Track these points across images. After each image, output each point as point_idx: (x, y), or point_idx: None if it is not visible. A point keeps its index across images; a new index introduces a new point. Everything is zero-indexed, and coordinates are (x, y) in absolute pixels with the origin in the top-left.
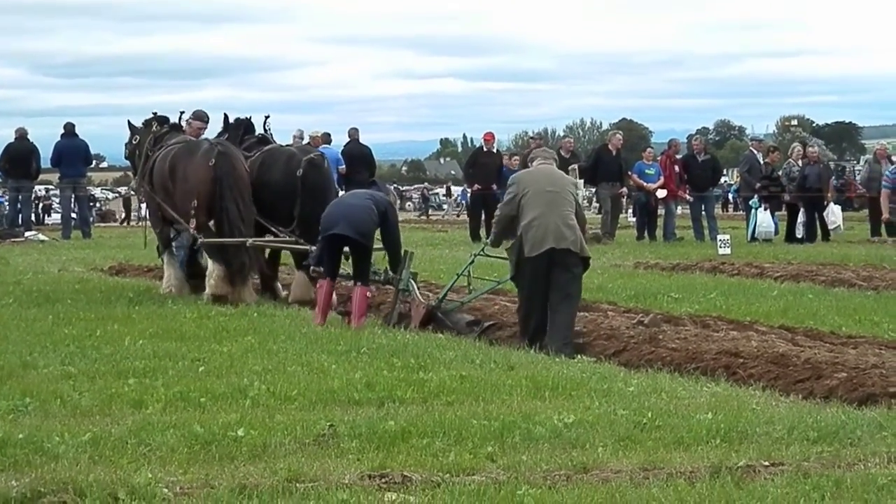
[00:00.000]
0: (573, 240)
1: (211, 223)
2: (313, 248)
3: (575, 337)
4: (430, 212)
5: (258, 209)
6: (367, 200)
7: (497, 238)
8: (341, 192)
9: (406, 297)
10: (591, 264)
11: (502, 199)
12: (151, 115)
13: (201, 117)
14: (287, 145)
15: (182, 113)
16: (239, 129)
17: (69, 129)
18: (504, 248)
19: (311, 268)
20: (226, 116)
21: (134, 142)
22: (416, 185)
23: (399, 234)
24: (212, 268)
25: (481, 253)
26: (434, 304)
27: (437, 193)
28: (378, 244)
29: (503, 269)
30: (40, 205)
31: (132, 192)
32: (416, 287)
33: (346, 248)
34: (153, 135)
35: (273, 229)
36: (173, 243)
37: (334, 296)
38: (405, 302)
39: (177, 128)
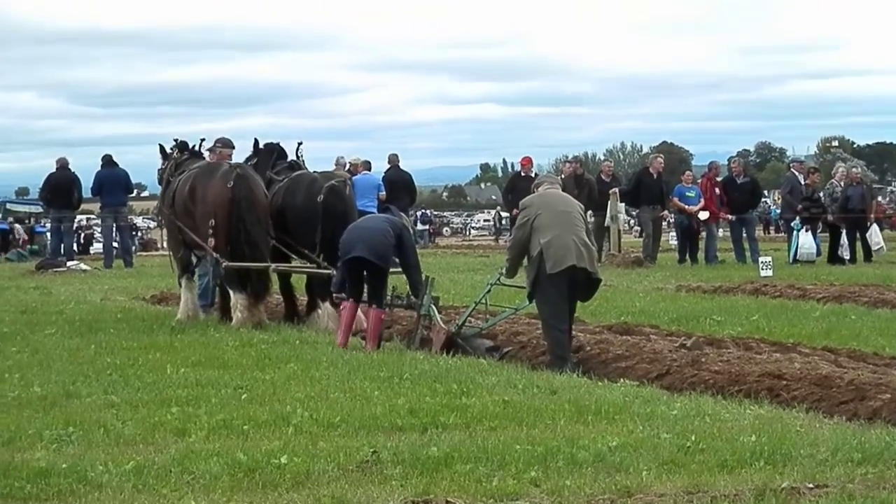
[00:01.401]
0: (589, 260)
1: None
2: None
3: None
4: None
5: (284, 234)
6: (383, 224)
7: (513, 266)
8: None
9: (427, 322)
10: (634, 287)
11: None
12: (174, 142)
13: (228, 144)
14: (318, 172)
15: (202, 140)
16: (270, 155)
17: (108, 160)
18: (520, 274)
19: (334, 294)
20: (256, 141)
21: (163, 167)
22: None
23: (416, 256)
24: (234, 298)
25: (497, 282)
26: (454, 329)
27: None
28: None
29: (520, 295)
30: (82, 234)
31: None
32: (437, 312)
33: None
34: (174, 161)
35: (295, 254)
36: (197, 271)
37: (358, 315)
38: (426, 327)
39: (196, 154)
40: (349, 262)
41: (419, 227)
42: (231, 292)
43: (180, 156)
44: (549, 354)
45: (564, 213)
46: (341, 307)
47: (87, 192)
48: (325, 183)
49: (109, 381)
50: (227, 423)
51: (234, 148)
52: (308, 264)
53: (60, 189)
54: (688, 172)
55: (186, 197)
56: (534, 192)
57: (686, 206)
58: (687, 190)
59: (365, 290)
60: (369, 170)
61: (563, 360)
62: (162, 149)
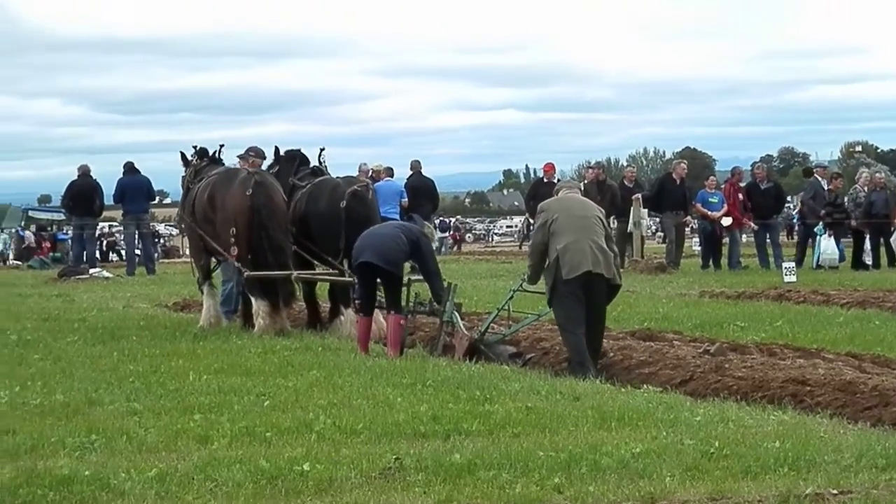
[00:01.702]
0: (606, 266)
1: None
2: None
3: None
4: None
5: (307, 240)
6: (395, 230)
7: (534, 272)
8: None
9: (450, 329)
10: (657, 293)
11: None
12: (193, 149)
13: (261, 154)
14: (340, 177)
15: (221, 146)
16: (292, 162)
17: (130, 167)
18: (543, 280)
19: (355, 301)
20: (276, 149)
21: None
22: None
23: (435, 262)
24: (256, 305)
25: (519, 289)
26: (477, 336)
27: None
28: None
29: (543, 302)
30: (104, 242)
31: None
32: (459, 319)
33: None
34: (193, 168)
35: (318, 260)
36: (221, 276)
37: (375, 326)
38: (449, 333)
39: (215, 160)
40: (359, 269)
41: (438, 234)
42: (253, 299)
43: (199, 162)
44: (569, 360)
45: (581, 218)
46: (356, 320)
47: (108, 200)
48: (348, 188)
49: (132, 389)
50: (249, 431)
51: (265, 158)
52: (331, 271)
53: (82, 196)
54: (711, 178)
55: (206, 204)
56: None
57: (709, 212)
58: (710, 195)
59: (383, 297)
60: (391, 176)
61: (583, 365)
62: (183, 156)
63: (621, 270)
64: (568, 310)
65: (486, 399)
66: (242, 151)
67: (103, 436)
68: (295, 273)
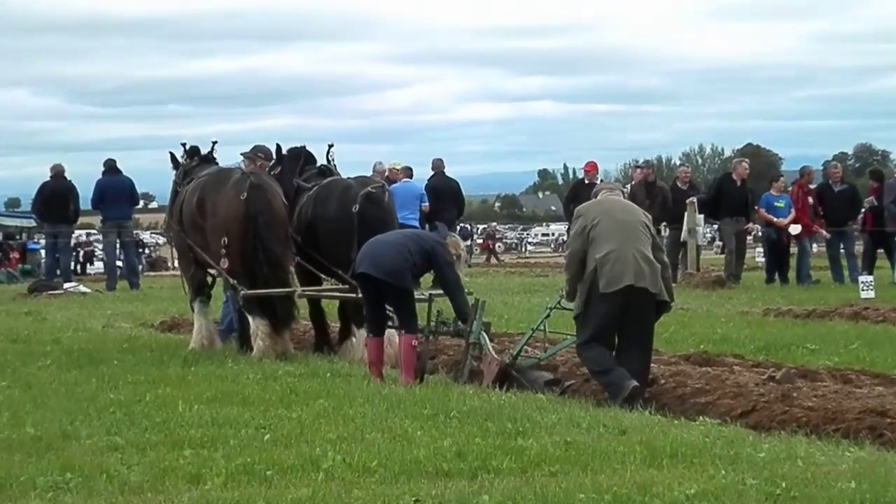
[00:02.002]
0: (652, 279)
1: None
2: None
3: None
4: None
5: (313, 250)
6: (402, 238)
7: (573, 287)
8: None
9: (477, 352)
10: (715, 311)
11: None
12: (182, 147)
13: (269, 155)
14: (352, 178)
15: (214, 143)
16: (296, 160)
17: (110, 166)
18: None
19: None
20: (279, 147)
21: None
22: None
23: (454, 276)
24: (254, 324)
25: (557, 306)
26: (508, 360)
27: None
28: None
29: None
30: (81, 252)
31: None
32: (488, 340)
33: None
34: (182, 168)
35: (326, 273)
36: (226, 292)
37: (391, 348)
38: (476, 357)
39: (207, 159)
40: (359, 283)
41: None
42: (250, 318)
43: (189, 162)
44: (601, 385)
45: (624, 223)
46: (365, 343)
47: (86, 204)
48: (361, 190)
49: (113, 421)
50: (247, 468)
51: (273, 160)
52: (341, 286)
53: (56, 200)
54: (781, 179)
55: (194, 210)
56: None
57: (775, 219)
58: (776, 199)
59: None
60: (410, 177)
61: (619, 386)
62: (173, 158)
63: (673, 285)
64: (596, 329)
65: (519, 433)
66: (245, 149)
67: (80, 474)
68: (299, 290)
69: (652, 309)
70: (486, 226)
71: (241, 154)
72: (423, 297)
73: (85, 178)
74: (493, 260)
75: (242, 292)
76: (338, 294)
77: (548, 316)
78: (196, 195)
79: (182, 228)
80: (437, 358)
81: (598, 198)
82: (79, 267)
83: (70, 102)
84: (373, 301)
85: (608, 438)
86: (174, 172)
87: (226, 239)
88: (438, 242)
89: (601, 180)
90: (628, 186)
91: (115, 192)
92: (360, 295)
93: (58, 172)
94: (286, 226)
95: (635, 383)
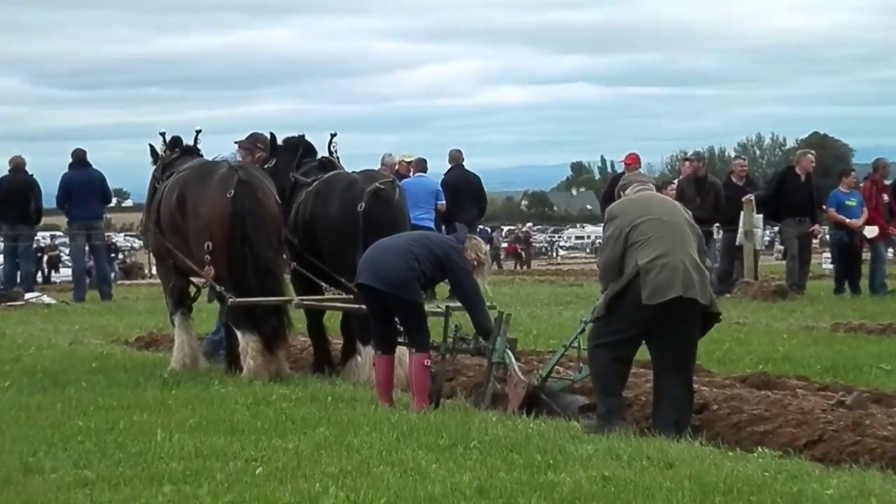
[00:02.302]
0: (702, 288)
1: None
2: None
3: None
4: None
5: (313, 255)
6: (408, 242)
7: (608, 284)
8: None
9: (501, 373)
10: (775, 325)
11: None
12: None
13: (269, 145)
14: (357, 172)
15: (198, 132)
16: (293, 152)
17: (79, 158)
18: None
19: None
20: (273, 137)
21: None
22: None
23: (472, 286)
24: (243, 341)
25: (593, 320)
26: (536, 382)
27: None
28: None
29: None
30: (45, 257)
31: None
32: (513, 359)
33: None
34: (162, 161)
35: (327, 281)
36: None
37: (402, 369)
38: (500, 379)
39: (190, 151)
40: (361, 294)
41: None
42: (239, 333)
43: (169, 154)
44: (597, 402)
45: (671, 224)
46: (373, 362)
47: (50, 202)
48: (368, 186)
49: (81, 452)
50: None
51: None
52: (344, 296)
53: (14, 197)
54: (852, 174)
55: (174, 209)
56: (621, 196)
57: (845, 219)
58: (847, 197)
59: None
60: (424, 171)
61: (609, 421)
62: (153, 151)
63: (727, 296)
64: (618, 338)
65: (550, 466)
66: (237, 138)
67: None
68: (296, 299)
69: (698, 323)
70: (514, 228)
71: (236, 143)
72: (439, 309)
73: (48, 171)
74: (521, 266)
75: (230, 301)
76: (340, 305)
77: (582, 331)
78: (176, 192)
79: (160, 230)
80: (455, 379)
81: (632, 195)
82: (42, 275)
83: (30, 84)
84: (379, 315)
85: (653, 473)
86: (153, 167)
87: (210, 243)
88: (452, 247)
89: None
90: (675, 181)
91: (84, 189)
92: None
93: (17, 165)
94: (279, 228)
95: (626, 427)
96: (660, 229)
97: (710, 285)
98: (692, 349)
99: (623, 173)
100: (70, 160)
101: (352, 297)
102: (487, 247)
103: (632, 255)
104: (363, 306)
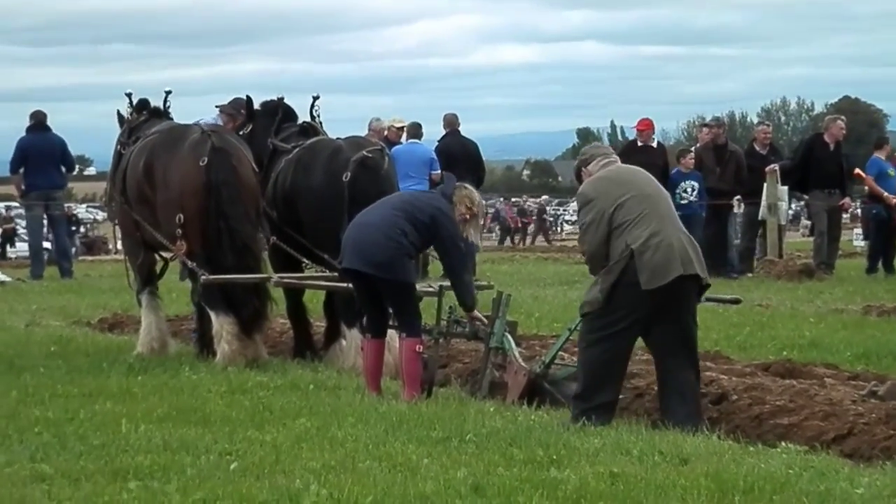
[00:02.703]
0: (699, 262)
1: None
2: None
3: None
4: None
5: (293, 228)
6: (391, 214)
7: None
8: None
9: (500, 359)
10: (801, 308)
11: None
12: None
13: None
14: (342, 139)
15: (168, 93)
16: (271, 117)
17: (38, 121)
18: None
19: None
20: (249, 101)
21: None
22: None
23: (456, 253)
24: (217, 322)
25: (586, 314)
26: (539, 369)
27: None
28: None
29: None
30: None
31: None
32: (513, 345)
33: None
34: (128, 124)
35: (309, 258)
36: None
37: (389, 355)
38: (499, 366)
39: (158, 114)
40: (347, 277)
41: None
42: (213, 315)
43: (136, 117)
44: (576, 392)
45: (655, 198)
46: (361, 345)
47: (3, 169)
48: (354, 154)
49: (39, 444)
50: None
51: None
52: (327, 274)
53: None
54: (887, 144)
55: (141, 178)
56: (584, 173)
57: (883, 192)
58: (887, 166)
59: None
60: (418, 138)
61: (604, 407)
62: (120, 116)
63: (749, 275)
64: (617, 331)
65: (553, 461)
66: (214, 101)
67: None
68: (275, 277)
69: (695, 298)
70: (522, 199)
71: (217, 107)
72: (432, 289)
73: (2, 136)
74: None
75: (203, 278)
76: (323, 284)
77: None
78: (143, 159)
79: (126, 201)
80: (449, 366)
81: (600, 171)
82: None
83: None
84: (366, 297)
85: (666, 469)
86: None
87: (181, 216)
88: (439, 209)
89: (659, 142)
90: (693, 150)
91: (43, 155)
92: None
93: None
94: (257, 200)
95: (596, 417)
96: (645, 206)
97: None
98: (695, 330)
99: (636, 141)
100: (28, 123)
101: (336, 274)
102: (479, 197)
103: (620, 238)
104: (348, 285)
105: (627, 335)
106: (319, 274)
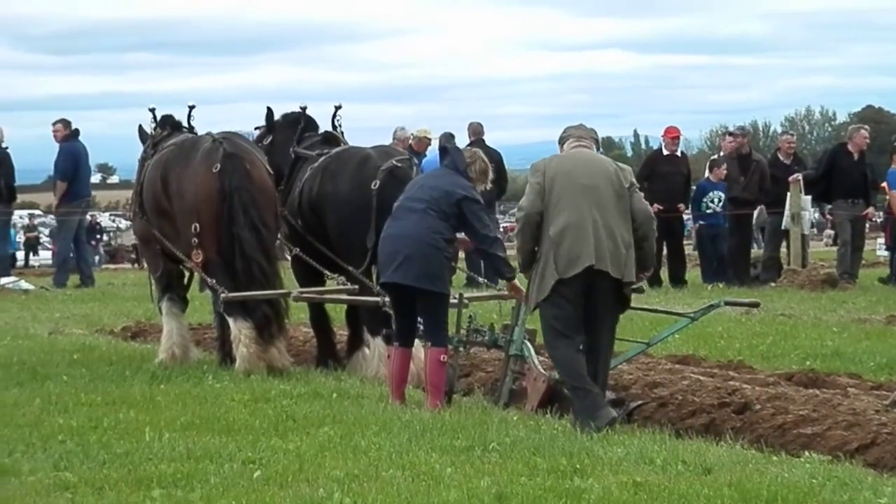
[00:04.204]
0: (615, 259)
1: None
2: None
3: (615, 405)
4: None
5: (317, 238)
6: (427, 220)
7: (525, 258)
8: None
9: (520, 366)
10: (824, 318)
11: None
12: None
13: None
14: (370, 147)
15: (192, 107)
16: (293, 128)
17: (75, 130)
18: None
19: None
20: (269, 111)
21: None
22: None
23: (488, 230)
24: (236, 328)
25: (535, 307)
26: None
27: None
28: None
29: (658, 325)
30: (22, 238)
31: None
32: (533, 351)
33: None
34: (151, 140)
35: (331, 268)
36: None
37: (413, 364)
38: (519, 373)
39: (181, 129)
40: (387, 292)
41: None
42: (231, 320)
43: (160, 133)
44: (567, 389)
45: (591, 188)
46: (387, 352)
47: (32, 178)
48: (384, 163)
49: (62, 452)
50: None
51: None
52: (349, 287)
53: None
54: None
55: (159, 190)
56: (559, 150)
57: None
58: None
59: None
60: None
61: (584, 389)
62: (142, 132)
63: (772, 284)
64: (561, 323)
65: (576, 470)
66: (244, 109)
67: None
68: (294, 292)
69: (613, 298)
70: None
71: (257, 128)
72: (453, 300)
73: (26, 144)
74: None
75: (223, 296)
76: (344, 298)
77: None
78: (159, 172)
79: (144, 213)
80: (472, 375)
81: (565, 152)
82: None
83: (7, 48)
84: (401, 308)
85: (689, 479)
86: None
87: (197, 225)
88: (465, 195)
89: (682, 152)
90: (725, 164)
91: (84, 163)
92: (374, 299)
93: None
94: (273, 203)
95: (613, 415)
96: (573, 193)
97: (640, 248)
98: (609, 328)
99: (661, 149)
100: (66, 131)
101: (356, 287)
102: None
103: (547, 220)
104: (369, 298)
105: (571, 318)
106: (340, 287)
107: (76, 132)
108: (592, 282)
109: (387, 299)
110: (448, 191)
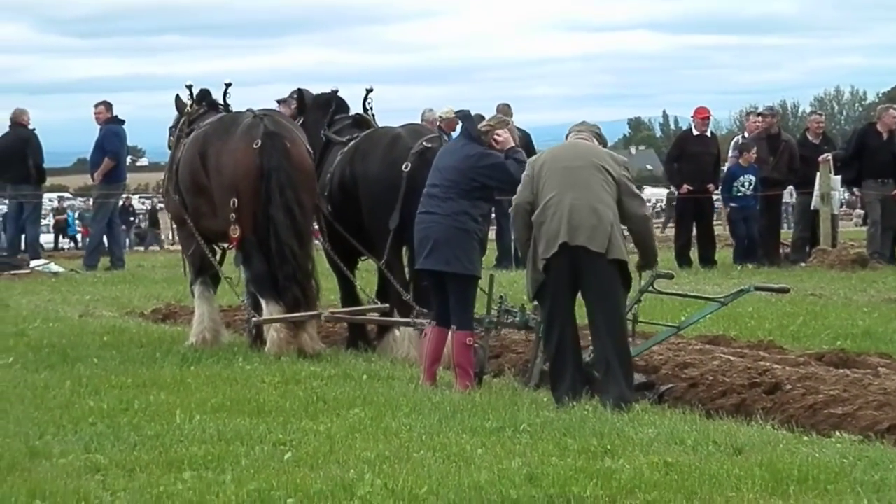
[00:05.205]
0: (591, 233)
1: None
2: (423, 322)
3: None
4: None
5: (347, 221)
6: (458, 199)
7: (524, 249)
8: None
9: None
10: (855, 298)
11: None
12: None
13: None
14: (401, 127)
15: (228, 85)
16: (324, 110)
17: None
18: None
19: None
20: (300, 94)
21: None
22: None
23: (506, 171)
24: (268, 310)
25: (651, 289)
26: (588, 358)
27: None
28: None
29: (688, 308)
30: (53, 221)
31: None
32: None
33: None
34: (187, 117)
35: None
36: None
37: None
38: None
39: (217, 107)
40: (424, 275)
41: None
42: (263, 303)
43: (195, 109)
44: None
45: (569, 170)
46: (423, 332)
47: (55, 160)
48: (415, 143)
49: (93, 434)
50: (262, 495)
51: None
52: (378, 305)
53: (11, 155)
54: None
55: (197, 166)
56: None
57: None
58: None
59: None
60: None
61: (558, 381)
62: (178, 101)
63: (802, 265)
64: (548, 310)
65: (606, 451)
66: (268, 92)
67: (52, 501)
68: (327, 311)
69: (607, 278)
70: None
71: (278, 101)
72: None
73: (52, 127)
74: None
75: (254, 319)
76: (375, 318)
77: (639, 301)
78: (197, 149)
79: (178, 192)
80: (502, 356)
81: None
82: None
83: (37, 31)
84: (438, 289)
85: (720, 459)
86: (174, 122)
87: (235, 200)
88: (491, 164)
89: (712, 133)
90: (742, 135)
91: (125, 146)
92: (408, 320)
93: (17, 120)
94: (312, 183)
95: (568, 394)
96: (556, 176)
97: (634, 231)
98: (612, 309)
99: (691, 130)
100: (108, 114)
101: (387, 306)
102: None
103: (536, 206)
104: (404, 320)
105: (556, 304)
106: (372, 307)
107: (117, 118)
108: (578, 261)
109: (420, 321)
110: (460, 169)
